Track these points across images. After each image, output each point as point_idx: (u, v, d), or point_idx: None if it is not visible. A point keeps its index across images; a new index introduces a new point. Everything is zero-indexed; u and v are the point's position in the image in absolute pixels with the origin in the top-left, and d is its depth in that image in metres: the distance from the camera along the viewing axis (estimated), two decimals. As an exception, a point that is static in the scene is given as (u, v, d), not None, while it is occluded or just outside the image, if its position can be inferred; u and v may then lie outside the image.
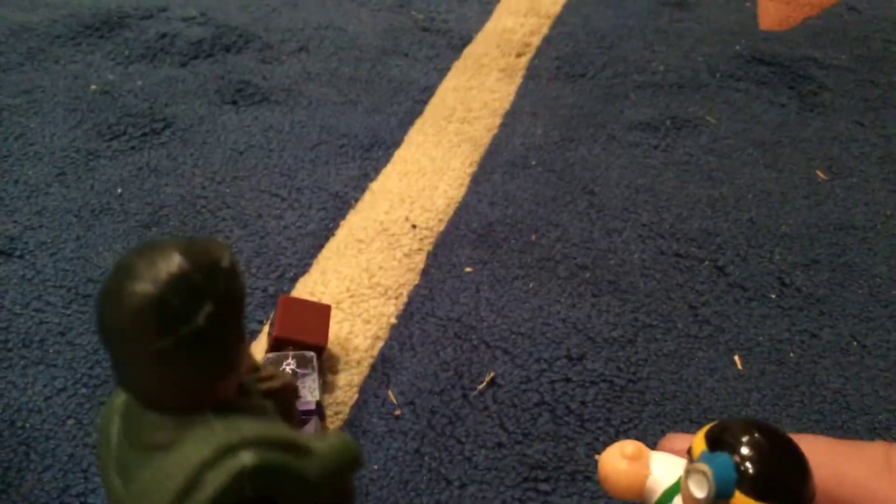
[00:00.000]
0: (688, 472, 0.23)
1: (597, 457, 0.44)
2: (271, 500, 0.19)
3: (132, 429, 0.19)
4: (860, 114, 0.81)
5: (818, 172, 0.71)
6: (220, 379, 0.19)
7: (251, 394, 0.21)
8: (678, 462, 0.26)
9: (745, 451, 0.22)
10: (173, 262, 0.18)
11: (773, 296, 0.56)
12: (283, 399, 0.23)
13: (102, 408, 0.20)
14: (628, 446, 0.26)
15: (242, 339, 0.20)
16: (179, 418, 0.19)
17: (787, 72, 0.88)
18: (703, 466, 0.22)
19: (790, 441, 0.23)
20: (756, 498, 0.22)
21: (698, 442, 0.24)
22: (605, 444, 0.45)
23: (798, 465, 0.23)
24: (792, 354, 0.52)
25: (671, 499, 0.25)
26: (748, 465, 0.22)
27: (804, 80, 0.86)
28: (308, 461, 0.20)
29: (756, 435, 0.23)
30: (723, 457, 0.22)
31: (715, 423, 0.24)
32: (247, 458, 0.18)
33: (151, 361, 0.18)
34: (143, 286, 0.17)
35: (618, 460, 0.26)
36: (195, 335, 0.18)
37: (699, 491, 0.23)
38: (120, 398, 0.20)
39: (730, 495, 0.22)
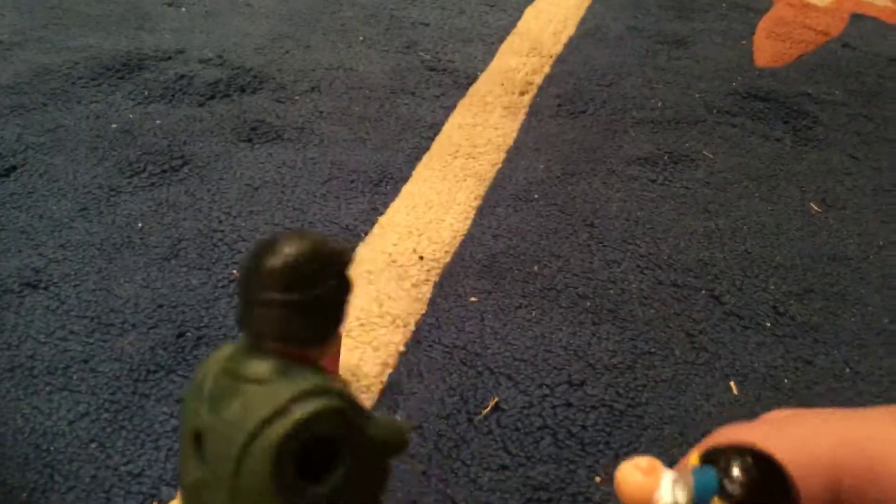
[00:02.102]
0: (675, 482, 0.26)
1: (597, 479, 0.46)
2: (336, 446, 0.23)
3: (235, 366, 0.23)
4: (854, 147, 0.84)
5: (812, 205, 0.73)
6: (321, 342, 0.23)
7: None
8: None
9: (733, 471, 0.24)
10: (312, 242, 0.23)
11: (769, 324, 0.58)
12: None
13: (202, 360, 0.24)
14: (644, 461, 0.28)
15: (343, 319, 0.24)
16: (281, 362, 0.23)
17: (782, 107, 0.91)
18: (687, 476, 0.25)
19: (781, 468, 0.25)
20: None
21: (693, 458, 0.26)
22: (606, 467, 0.47)
23: (784, 491, 0.24)
24: (786, 381, 0.54)
25: None
26: (732, 483, 0.24)
27: (799, 115, 0.89)
28: (370, 423, 0.24)
29: (747, 458, 0.25)
30: (708, 469, 0.24)
31: (713, 444, 0.26)
32: (327, 399, 0.22)
33: (279, 308, 0.22)
34: (288, 251, 0.22)
35: (633, 473, 0.28)
36: (315, 298, 0.23)
37: (682, 497, 0.25)
38: (226, 350, 0.24)
39: (706, 499, 0.24)
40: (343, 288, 0.24)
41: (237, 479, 0.21)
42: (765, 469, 0.25)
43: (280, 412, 0.21)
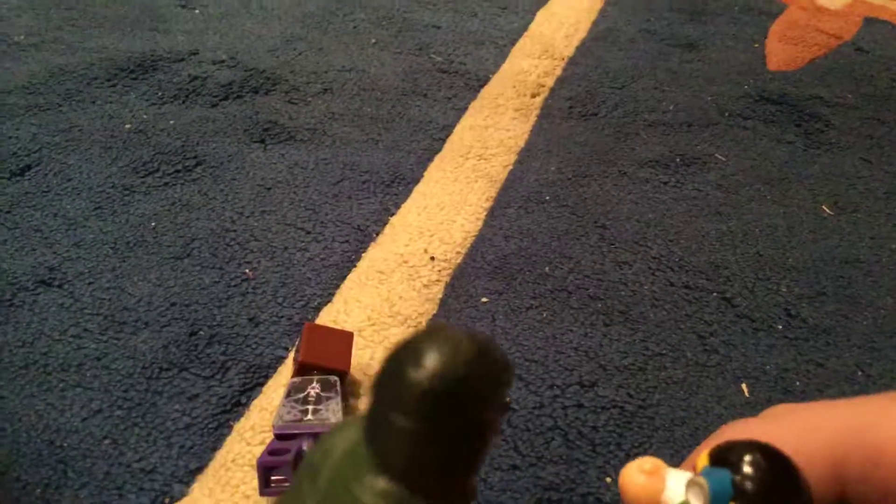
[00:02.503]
0: (688, 485, 0.25)
1: (608, 479, 0.46)
2: None
3: (352, 472, 0.20)
4: (866, 151, 0.83)
5: (824, 207, 0.73)
6: (450, 480, 0.19)
7: None
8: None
9: (745, 468, 0.24)
10: (474, 353, 0.18)
11: (780, 326, 0.58)
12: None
13: (329, 434, 0.21)
14: (647, 462, 0.28)
15: (489, 445, 0.19)
16: (398, 490, 0.19)
17: (794, 110, 0.91)
18: (702, 480, 0.24)
19: (792, 464, 0.25)
20: None
21: (703, 458, 0.26)
22: (616, 468, 0.46)
23: (797, 487, 0.24)
24: (798, 383, 0.54)
25: None
26: (746, 482, 0.24)
27: (811, 119, 0.89)
28: None
29: (758, 455, 0.25)
30: (722, 472, 0.24)
31: (722, 442, 0.26)
32: None
33: (412, 434, 0.18)
34: (429, 372, 0.18)
35: (636, 474, 0.28)
36: (465, 428, 0.18)
37: (696, 502, 0.25)
38: (353, 432, 0.20)
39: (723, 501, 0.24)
40: (497, 418, 0.19)
41: None
42: (778, 468, 0.24)
43: None
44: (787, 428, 0.26)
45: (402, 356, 0.18)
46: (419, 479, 0.19)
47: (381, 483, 0.19)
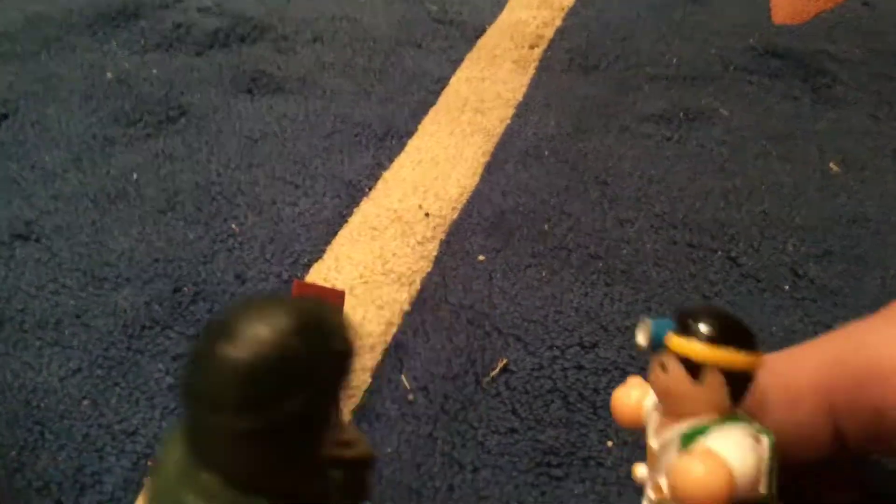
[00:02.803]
0: (637, 328, 0.27)
1: (609, 443, 0.44)
2: None
3: (179, 489, 0.17)
4: (874, 107, 0.81)
5: (831, 165, 0.71)
6: (288, 470, 0.17)
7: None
8: None
9: (688, 310, 0.26)
10: (279, 331, 0.15)
11: (787, 287, 0.56)
12: (356, 471, 0.20)
13: (165, 439, 0.18)
14: (632, 378, 0.31)
15: (328, 425, 0.17)
16: (231, 494, 0.17)
17: (800, 65, 0.88)
18: (647, 319, 0.26)
19: (737, 318, 0.27)
20: (686, 336, 0.25)
21: None
22: (618, 431, 0.45)
23: (735, 319, 0.27)
24: (805, 345, 0.52)
25: None
26: (686, 315, 0.26)
27: (818, 74, 0.86)
28: None
29: (706, 308, 0.28)
30: (666, 317, 0.27)
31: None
32: None
33: (225, 437, 0.16)
34: (238, 353, 0.15)
35: (625, 393, 0.30)
36: (282, 421, 0.16)
37: (642, 338, 0.26)
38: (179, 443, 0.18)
39: (663, 337, 0.25)
40: (334, 387, 0.17)
41: None
42: (720, 310, 0.27)
43: None
44: (769, 370, 0.26)
45: (209, 345, 0.16)
46: (251, 479, 0.16)
47: (213, 487, 0.16)
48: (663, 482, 0.26)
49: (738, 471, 0.23)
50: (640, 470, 0.29)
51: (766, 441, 0.24)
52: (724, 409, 0.24)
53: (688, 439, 0.25)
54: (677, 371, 0.25)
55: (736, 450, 0.23)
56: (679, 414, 0.25)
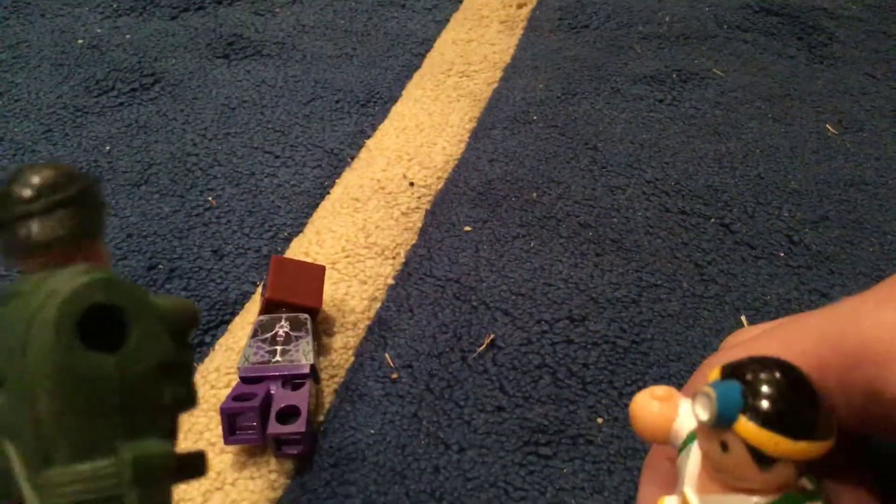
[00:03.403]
0: (695, 398, 0.23)
1: (599, 420, 0.43)
2: (122, 317, 0.22)
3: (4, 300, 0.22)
4: (872, 66, 0.79)
5: (828, 126, 0.69)
6: (90, 235, 0.23)
7: None
8: None
9: (756, 381, 0.22)
10: (56, 165, 0.23)
11: (782, 254, 0.55)
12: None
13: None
14: (660, 389, 0.26)
15: (102, 227, 0.24)
16: (46, 270, 0.22)
17: (795, 22, 0.85)
18: (709, 389, 0.22)
19: (806, 377, 0.22)
20: (760, 424, 0.21)
21: (713, 373, 0.23)
22: (608, 408, 0.44)
23: (811, 397, 0.22)
24: (800, 314, 0.51)
25: (694, 440, 0.25)
26: (757, 393, 0.22)
27: (814, 31, 0.84)
28: (152, 295, 0.23)
29: (771, 368, 0.22)
30: (731, 382, 0.22)
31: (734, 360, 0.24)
32: (97, 272, 0.22)
33: (42, 213, 0.22)
34: (35, 169, 0.23)
35: (648, 401, 0.26)
36: (79, 192, 0.23)
37: (703, 413, 0.22)
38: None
39: (733, 418, 0.21)
40: (93, 194, 0.24)
41: (25, 362, 0.20)
42: (792, 380, 0.22)
43: (56, 291, 0.21)
44: (761, 348, 0.24)
45: (10, 180, 0.23)
46: (61, 243, 0.23)
47: (28, 276, 0.22)
48: None
49: None
50: None
51: None
52: (786, 488, 0.22)
53: None
54: (742, 456, 0.21)
55: None
56: (733, 488, 0.23)
